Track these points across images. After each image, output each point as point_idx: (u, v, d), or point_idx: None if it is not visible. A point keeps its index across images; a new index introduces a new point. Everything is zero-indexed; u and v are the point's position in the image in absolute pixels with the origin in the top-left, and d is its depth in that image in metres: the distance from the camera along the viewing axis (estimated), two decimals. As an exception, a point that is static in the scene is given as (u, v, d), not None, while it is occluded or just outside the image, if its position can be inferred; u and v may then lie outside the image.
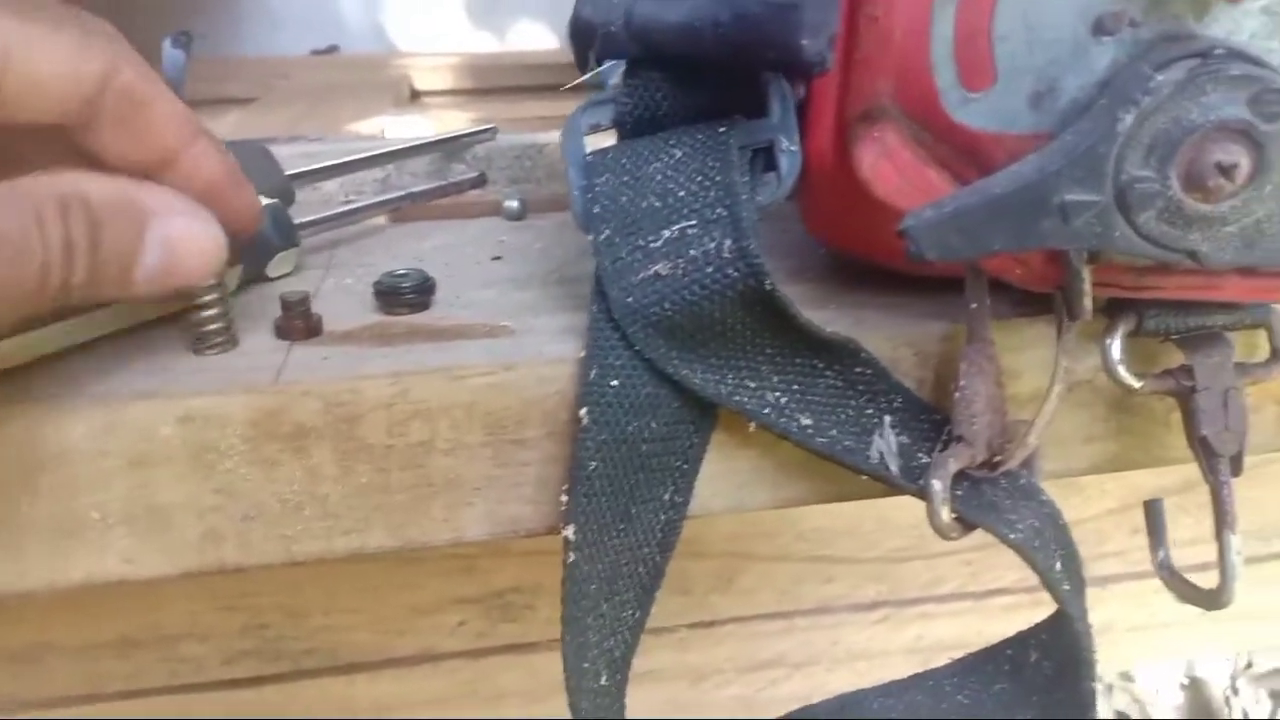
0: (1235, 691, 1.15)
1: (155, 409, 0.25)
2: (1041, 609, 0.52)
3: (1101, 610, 0.61)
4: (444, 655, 0.54)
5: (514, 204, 0.40)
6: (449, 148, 0.46)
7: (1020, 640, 0.30)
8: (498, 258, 0.36)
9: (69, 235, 0.22)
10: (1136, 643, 0.62)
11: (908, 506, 0.56)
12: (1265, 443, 0.31)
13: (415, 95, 1.03)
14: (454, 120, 0.80)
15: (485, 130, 0.48)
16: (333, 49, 1.25)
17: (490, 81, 1.05)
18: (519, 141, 0.49)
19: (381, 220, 0.43)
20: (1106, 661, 0.63)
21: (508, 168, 0.48)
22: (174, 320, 0.29)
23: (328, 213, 0.37)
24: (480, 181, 0.44)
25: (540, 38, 1.30)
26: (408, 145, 0.44)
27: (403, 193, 0.41)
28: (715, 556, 0.55)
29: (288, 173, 0.37)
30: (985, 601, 0.59)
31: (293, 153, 0.43)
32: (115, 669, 0.52)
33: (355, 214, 0.38)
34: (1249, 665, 1.13)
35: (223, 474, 0.26)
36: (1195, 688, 1.19)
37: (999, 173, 0.22)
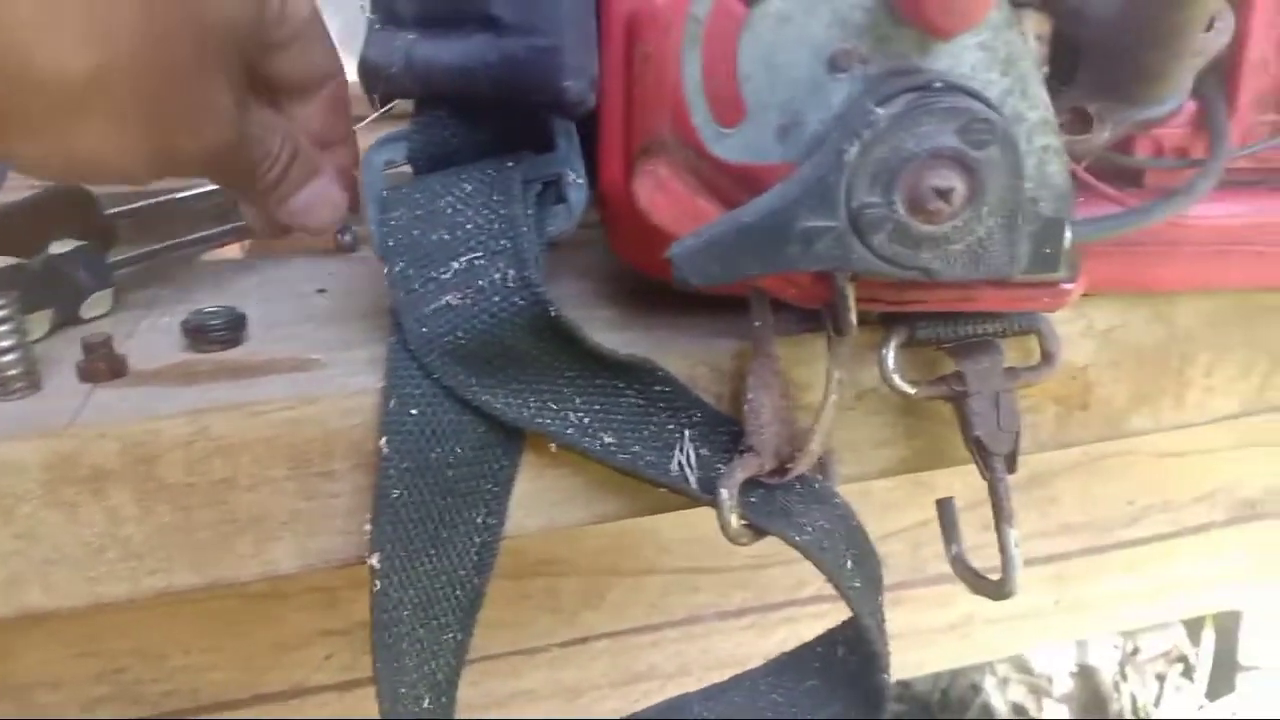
0: (1124, 677, 1.20)
1: (-57, 458, 0.25)
2: (904, 605, 0.54)
3: (959, 605, 0.64)
4: (313, 689, 0.54)
5: (346, 237, 0.41)
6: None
7: (829, 637, 0.31)
8: (322, 290, 0.37)
9: (280, 151, 0.32)
10: (995, 634, 0.65)
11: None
12: (1047, 440, 0.34)
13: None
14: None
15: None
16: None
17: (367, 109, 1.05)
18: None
19: (235, 253, 0.43)
20: (967, 654, 0.66)
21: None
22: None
23: (141, 249, 0.37)
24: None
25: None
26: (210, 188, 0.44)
27: (201, 233, 0.40)
28: (583, 574, 0.56)
29: (108, 211, 0.37)
30: (847, 602, 0.61)
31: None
32: (-32, 724, 0.50)
33: (159, 253, 0.38)
34: (1135, 651, 1.19)
35: (22, 519, 0.26)
36: (1085, 675, 1.24)
37: (748, 203, 0.23)
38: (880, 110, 0.22)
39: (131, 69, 0.26)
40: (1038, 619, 0.65)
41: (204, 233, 0.40)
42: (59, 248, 0.33)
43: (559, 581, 0.57)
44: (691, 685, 0.62)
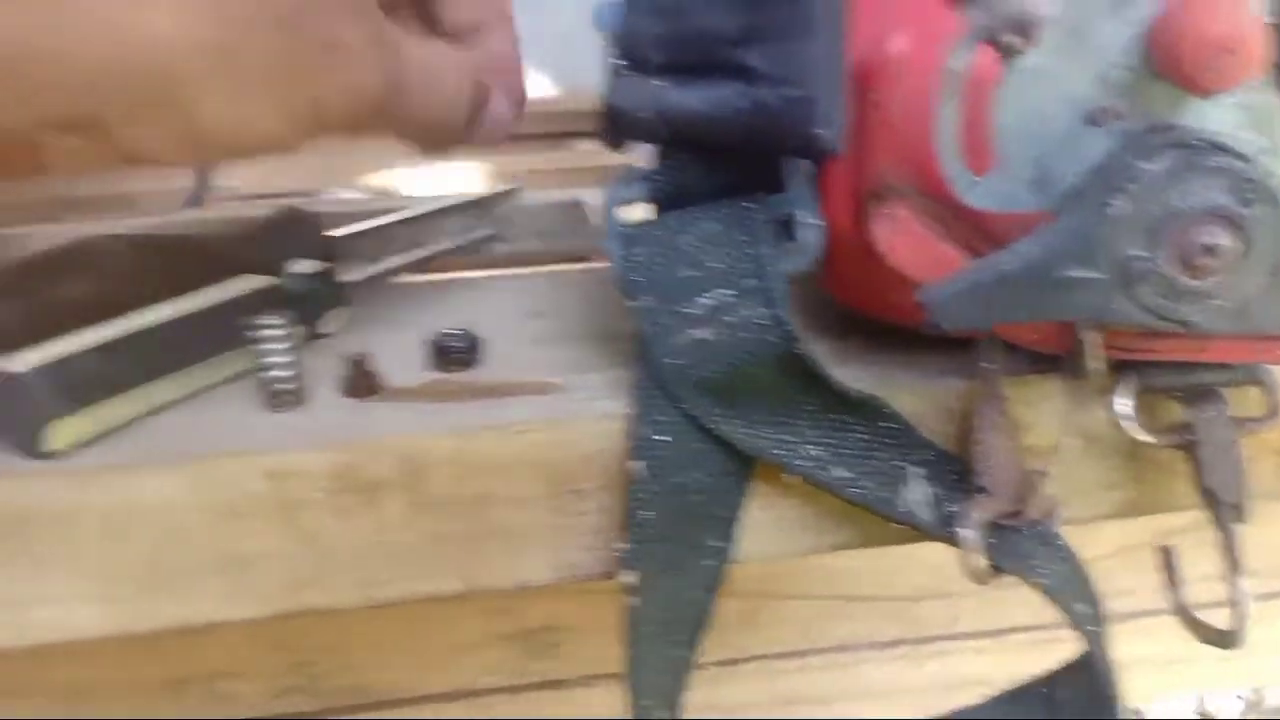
0: (1246, 729, 1.15)
1: (244, 464, 0.27)
2: (1056, 645, 0.54)
3: (1122, 646, 0.63)
4: (481, 691, 0.56)
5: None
6: (477, 208, 0.49)
7: (1051, 679, 0.32)
8: (540, 314, 0.39)
9: (460, 93, 0.30)
10: (1149, 677, 0.63)
11: (928, 547, 0.59)
12: (1267, 491, 0.34)
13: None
14: (465, 170, 0.82)
15: (510, 190, 0.50)
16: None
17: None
18: (542, 199, 0.51)
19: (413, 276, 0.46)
20: (1131, 696, 0.65)
21: (531, 223, 0.51)
22: (245, 381, 0.32)
23: (369, 272, 0.39)
24: (494, 238, 0.47)
25: (542, 87, 1.33)
26: (440, 207, 0.47)
27: (430, 251, 0.44)
28: (742, 595, 0.57)
29: (327, 234, 0.40)
30: (1001, 639, 0.60)
31: (324, 207, 0.46)
32: (164, 706, 0.54)
33: (393, 272, 0.41)
34: (1259, 700, 1.14)
35: (305, 523, 0.28)
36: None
37: (1008, 250, 0.24)
38: (1145, 165, 0.23)
39: (241, 26, 0.24)
40: (1202, 662, 0.64)
41: (422, 253, 0.42)
42: (301, 267, 0.36)
43: (721, 602, 0.58)
44: (839, 713, 0.62)
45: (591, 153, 0.85)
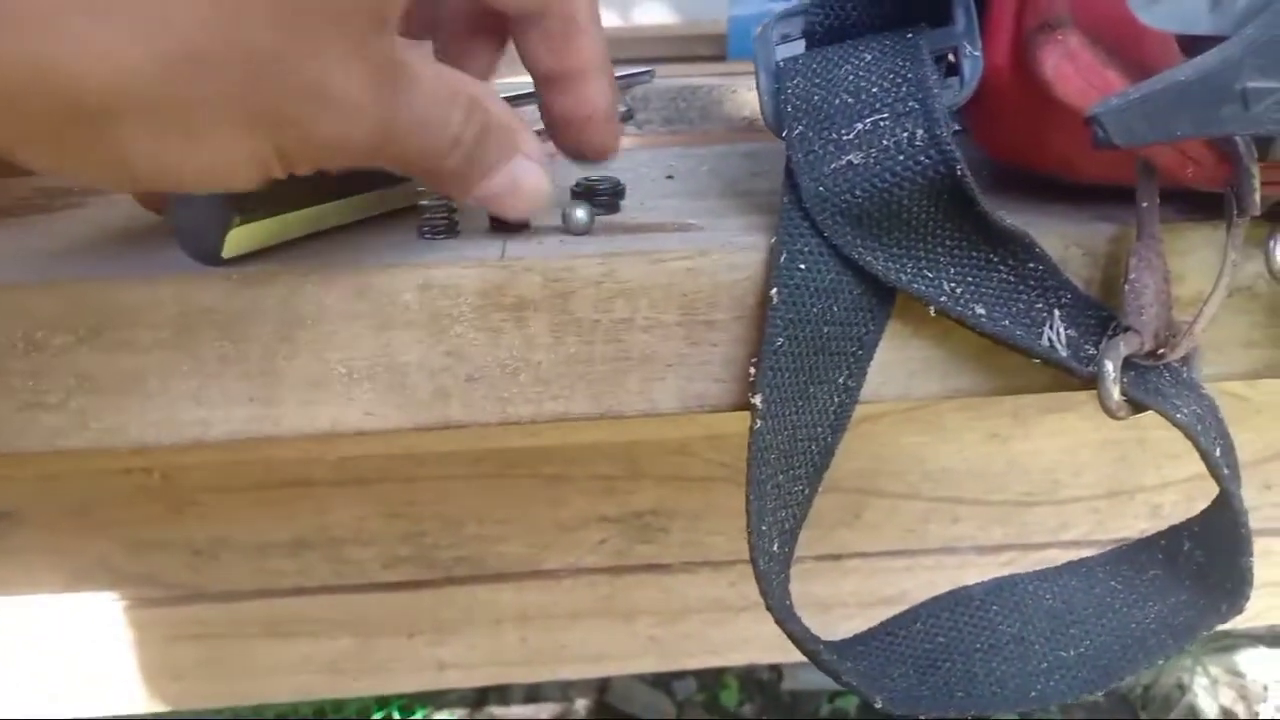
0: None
1: (400, 277, 0.29)
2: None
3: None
4: (585, 570, 0.58)
5: (580, 214, 0.33)
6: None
7: (1173, 532, 0.31)
8: (670, 177, 0.39)
9: (463, 132, 0.25)
10: (1269, 599, 0.62)
11: (1039, 453, 0.58)
12: None
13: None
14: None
15: (644, 72, 0.50)
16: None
17: (614, 53, 1.09)
18: (674, 84, 0.52)
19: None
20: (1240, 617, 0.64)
21: (663, 108, 0.51)
22: (404, 214, 0.33)
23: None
24: (629, 115, 0.47)
25: (661, 14, 1.32)
26: (575, 83, 0.47)
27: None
28: (844, 491, 0.57)
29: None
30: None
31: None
32: (285, 567, 0.57)
33: (540, 135, 0.41)
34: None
35: (453, 338, 0.29)
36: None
37: (1183, 64, 0.24)
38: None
39: (198, 61, 0.20)
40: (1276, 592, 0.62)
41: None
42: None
43: (820, 497, 0.58)
44: (941, 616, 0.62)
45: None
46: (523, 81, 0.32)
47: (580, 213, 0.32)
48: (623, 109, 0.47)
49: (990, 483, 0.57)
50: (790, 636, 0.30)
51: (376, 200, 0.32)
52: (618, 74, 0.49)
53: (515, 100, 0.44)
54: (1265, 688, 1.23)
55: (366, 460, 0.55)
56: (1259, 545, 0.60)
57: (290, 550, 0.57)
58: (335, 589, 0.58)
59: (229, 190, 0.23)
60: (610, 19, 1.35)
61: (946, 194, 0.27)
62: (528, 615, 0.59)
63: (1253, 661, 1.27)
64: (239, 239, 0.28)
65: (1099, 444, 0.56)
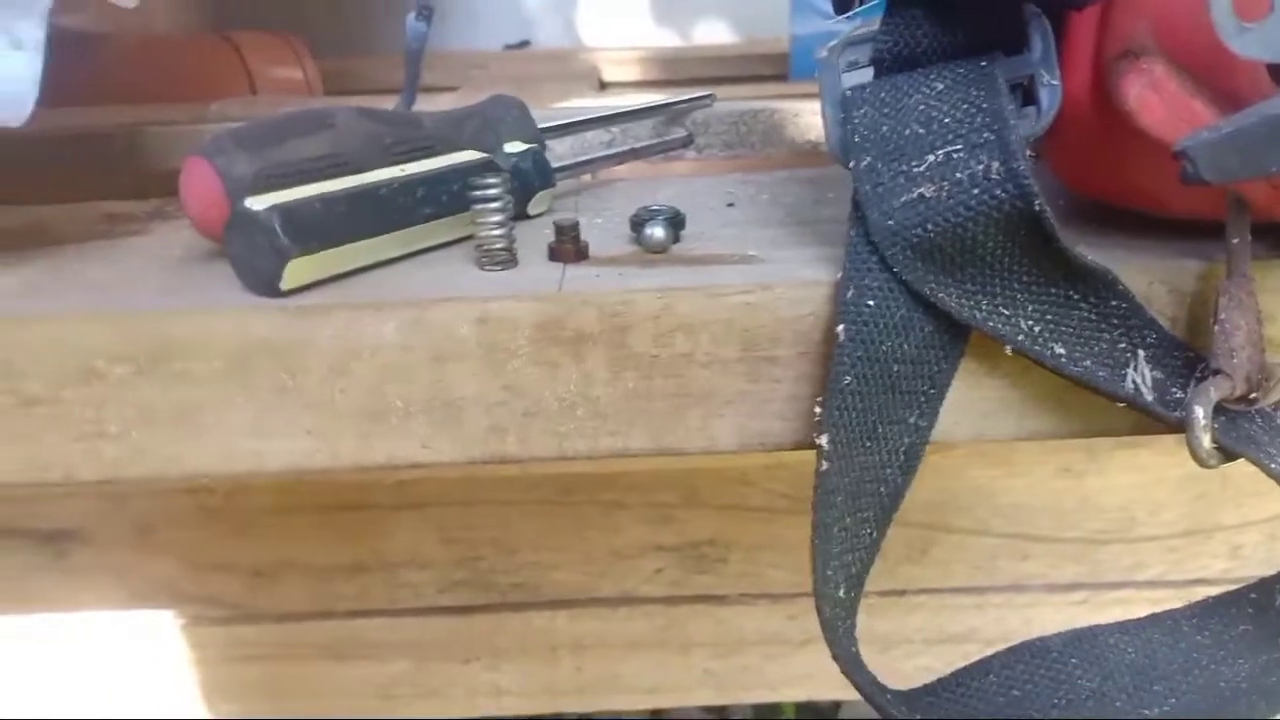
0: None
1: (456, 310, 0.28)
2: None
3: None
4: (640, 599, 0.57)
5: (659, 233, 0.32)
6: (670, 112, 0.49)
7: (1264, 585, 0.30)
8: (731, 205, 0.38)
9: None
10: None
11: (1114, 489, 0.56)
12: None
13: (604, 86, 1.07)
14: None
15: (704, 96, 0.50)
16: (525, 44, 1.31)
17: (674, 74, 1.08)
18: (735, 108, 0.51)
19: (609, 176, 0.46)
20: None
21: (724, 132, 0.50)
22: (460, 245, 0.33)
23: (576, 160, 0.40)
24: (689, 141, 0.47)
25: (720, 34, 1.32)
26: (636, 108, 0.47)
27: (628, 147, 0.44)
28: (910, 525, 0.56)
29: (539, 124, 0.40)
30: (1187, 590, 0.57)
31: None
32: (344, 590, 0.57)
33: (598, 162, 0.41)
34: None
35: (510, 372, 0.29)
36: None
37: (1275, 97, 0.22)
38: None
39: None
40: None
41: (622, 149, 0.42)
42: (513, 147, 0.36)
43: (889, 531, 0.57)
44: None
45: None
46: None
47: (659, 231, 0.32)
48: (683, 133, 0.47)
49: (1062, 519, 0.55)
50: (856, 687, 0.29)
51: (434, 231, 0.32)
52: (678, 99, 0.49)
53: (584, 125, 0.44)
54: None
55: (424, 484, 0.54)
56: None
57: (349, 573, 0.57)
58: (392, 612, 0.57)
59: None
60: (670, 38, 1.35)
61: (1024, 229, 0.26)
62: (582, 644, 0.58)
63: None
64: (297, 271, 0.28)
65: (1176, 480, 0.54)
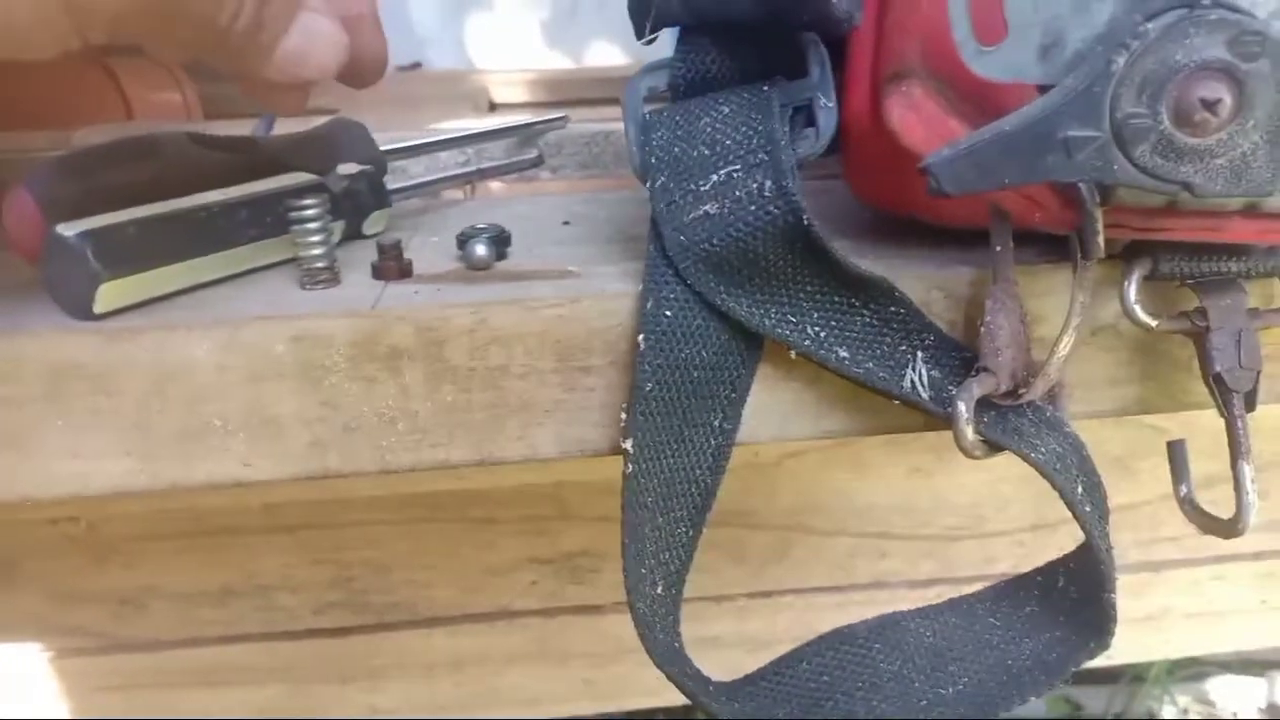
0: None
1: (270, 329, 0.29)
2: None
3: (1157, 596, 0.62)
4: (518, 613, 0.58)
5: (481, 250, 0.33)
6: (524, 133, 0.50)
7: (1049, 568, 0.32)
8: (566, 223, 0.40)
9: None
10: (1192, 630, 0.62)
11: (963, 487, 0.58)
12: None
13: (493, 107, 1.08)
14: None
15: (557, 119, 0.51)
16: (416, 65, 1.32)
17: (564, 94, 1.10)
18: (588, 129, 0.52)
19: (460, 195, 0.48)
20: (1163, 647, 0.64)
21: (577, 153, 0.52)
22: (287, 266, 0.33)
23: (417, 180, 0.41)
24: (539, 161, 0.48)
25: (611, 55, 1.35)
26: (486, 130, 0.48)
27: (475, 168, 0.45)
28: (771, 529, 0.58)
29: (382, 148, 0.41)
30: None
31: (381, 140, 0.48)
32: (214, 616, 0.57)
33: (437, 183, 0.42)
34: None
35: (328, 388, 0.29)
36: (1274, 714, 1.16)
37: (1009, 114, 0.25)
38: (1150, 24, 0.23)
39: None
40: (1241, 617, 0.62)
41: (468, 170, 0.44)
42: (346, 169, 0.37)
43: (748, 534, 0.59)
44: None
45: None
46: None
47: (481, 249, 0.33)
48: (533, 154, 0.48)
49: (916, 518, 0.58)
50: (671, 679, 0.31)
51: (261, 252, 0.33)
52: (531, 120, 0.50)
53: (431, 146, 0.45)
54: (1235, 714, 1.23)
55: (293, 507, 0.55)
56: (1184, 574, 0.60)
57: (218, 599, 0.57)
58: (265, 636, 0.57)
59: (21, 54, 0.23)
60: (562, 60, 1.37)
61: (799, 243, 0.28)
62: (461, 659, 0.58)
63: (1221, 689, 1.27)
64: (111, 294, 0.29)
65: (1021, 478, 0.57)
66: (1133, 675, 1.12)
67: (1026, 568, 0.59)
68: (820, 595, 0.60)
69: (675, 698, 0.64)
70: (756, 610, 0.59)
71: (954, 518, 0.58)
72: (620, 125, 0.53)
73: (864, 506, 0.57)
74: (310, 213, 0.31)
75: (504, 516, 0.56)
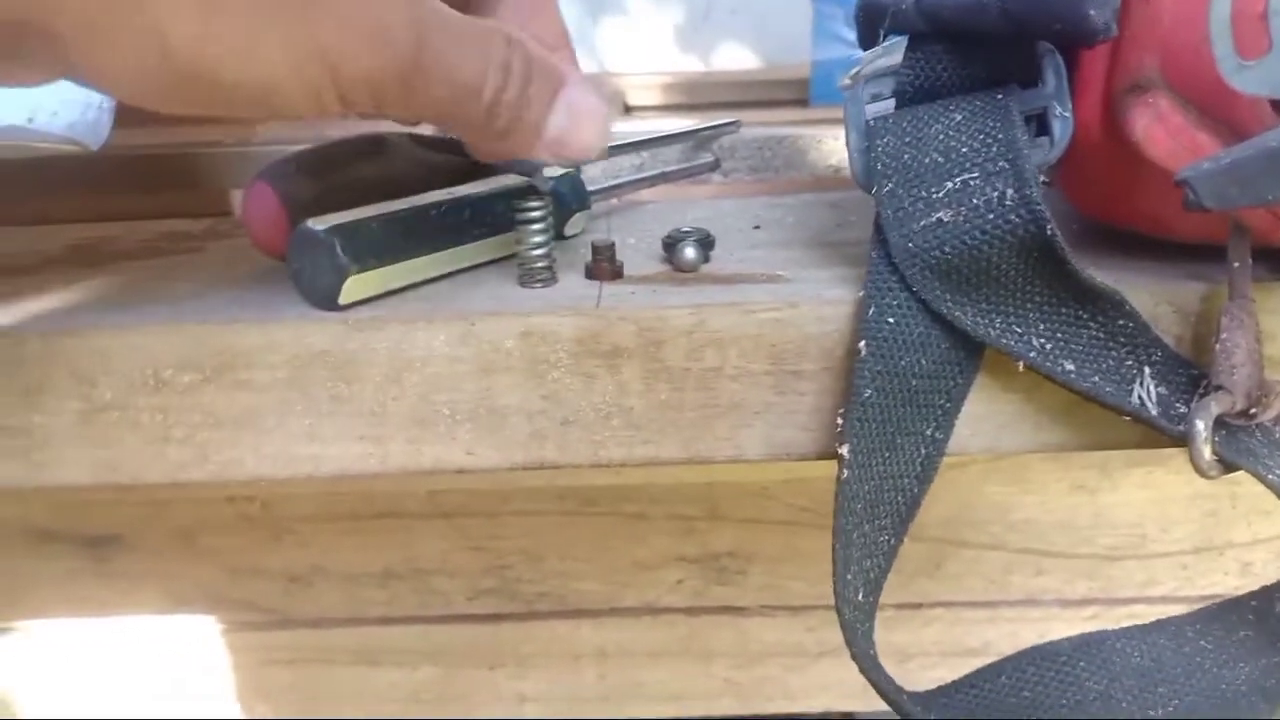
0: None
1: (502, 324, 0.30)
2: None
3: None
4: (662, 610, 0.58)
5: (691, 253, 0.34)
6: (698, 138, 0.51)
7: (1264, 593, 0.31)
8: (757, 227, 0.40)
9: (510, 61, 0.24)
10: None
11: (1125, 504, 0.57)
12: None
13: (628, 110, 1.10)
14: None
15: (730, 123, 0.52)
16: (550, 68, 1.34)
17: (697, 99, 1.10)
18: (760, 134, 0.53)
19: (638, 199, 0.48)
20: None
21: (749, 157, 0.52)
22: (502, 264, 0.35)
23: (610, 183, 0.42)
24: (716, 165, 0.49)
25: (743, 59, 1.35)
26: (664, 134, 0.49)
27: (660, 171, 0.46)
28: (926, 540, 0.57)
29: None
30: (1198, 606, 0.58)
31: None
32: (375, 596, 0.59)
33: (630, 185, 0.43)
34: None
35: (551, 383, 0.30)
36: None
37: (1274, 129, 0.24)
38: None
39: None
40: None
41: (652, 173, 0.44)
42: (551, 171, 0.38)
43: (905, 545, 0.58)
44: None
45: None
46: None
47: (691, 252, 0.33)
48: (710, 158, 0.49)
49: (1075, 535, 0.57)
50: (874, 686, 0.31)
51: (479, 250, 0.34)
52: (705, 124, 0.51)
53: (617, 150, 0.46)
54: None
55: (454, 494, 0.56)
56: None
57: (380, 580, 0.59)
58: (421, 619, 0.59)
59: (286, 113, 0.23)
60: (693, 63, 1.38)
61: (1036, 252, 0.27)
62: (606, 652, 0.59)
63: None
64: (354, 287, 0.30)
65: (1188, 498, 0.55)
66: None
67: (1188, 591, 0.58)
68: (970, 610, 0.59)
69: (813, 704, 0.64)
70: (904, 622, 0.59)
71: (1115, 537, 0.57)
72: (790, 130, 0.53)
73: (1022, 521, 0.56)
74: (535, 213, 0.32)
75: (655, 514, 0.57)
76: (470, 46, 0.24)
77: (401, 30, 0.23)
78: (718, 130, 0.51)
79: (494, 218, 0.34)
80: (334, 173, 0.33)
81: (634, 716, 0.61)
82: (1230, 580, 0.57)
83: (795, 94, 0.94)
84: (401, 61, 0.23)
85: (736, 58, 1.33)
